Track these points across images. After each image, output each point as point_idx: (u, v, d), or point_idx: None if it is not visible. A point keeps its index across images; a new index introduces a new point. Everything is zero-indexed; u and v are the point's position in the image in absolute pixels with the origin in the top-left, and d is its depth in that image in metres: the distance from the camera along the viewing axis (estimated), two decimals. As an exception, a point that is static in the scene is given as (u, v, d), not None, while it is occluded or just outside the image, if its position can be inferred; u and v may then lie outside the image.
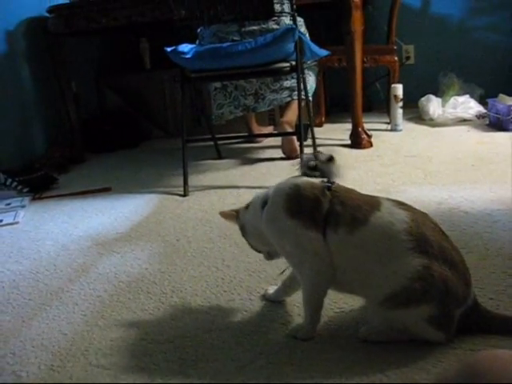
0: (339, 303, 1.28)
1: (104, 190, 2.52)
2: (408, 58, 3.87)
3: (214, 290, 1.43)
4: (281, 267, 1.37)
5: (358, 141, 2.85)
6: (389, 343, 1.11)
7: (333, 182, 1.12)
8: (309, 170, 1.14)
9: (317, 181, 1.12)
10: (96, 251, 1.80)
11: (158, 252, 1.73)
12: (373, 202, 1.09)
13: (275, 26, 2.55)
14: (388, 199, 1.12)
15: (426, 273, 1.03)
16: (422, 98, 3.43)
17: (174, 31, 2.46)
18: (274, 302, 1.33)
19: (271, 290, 1.36)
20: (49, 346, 1.24)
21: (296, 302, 1.32)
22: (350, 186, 1.15)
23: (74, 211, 2.28)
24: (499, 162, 2.34)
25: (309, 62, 2.74)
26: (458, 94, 3.36)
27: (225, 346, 1.17)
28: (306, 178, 1.13)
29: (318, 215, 1.07)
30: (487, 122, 3.14)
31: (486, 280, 1.33)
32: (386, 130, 3.23)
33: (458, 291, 1.05)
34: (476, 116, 3.22)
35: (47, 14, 3.06)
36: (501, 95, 3.08)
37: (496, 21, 3.68)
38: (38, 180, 2.67)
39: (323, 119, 3.56)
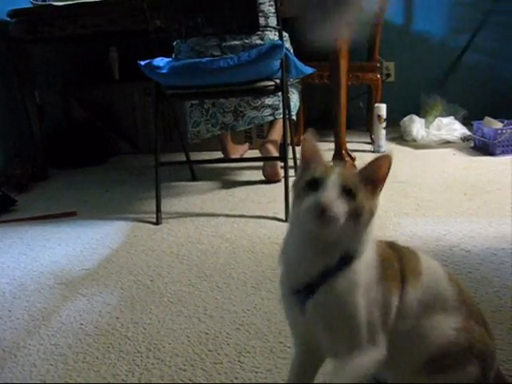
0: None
1: (68, 215, 2.28)
2: (388, 75, 3.76)
3: (197, 348, 1.24)
4: (270, 319, 1.19)
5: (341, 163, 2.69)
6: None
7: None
8: None
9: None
10: (59, 293, 1.57)
11: (130, 296, 1.52)
12: (411, 252, 0.92)
13: (259, 42, 2.36)
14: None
15: (467, 329, 0.87)
16: (405, 118, 3.31)
17: (147, 41, 2.25)
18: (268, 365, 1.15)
19: None
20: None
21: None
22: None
23: (34, 240, 2.04)
24: (492, 192, 2.23)
25: (292, 80, 2.57)
26: (441, 115, 3.26)
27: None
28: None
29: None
30: (472, 145, 3.04)
31: (503, 337, 1.18)
32: (368, 151, 3.10)
33: (492, 350, 0.90)
34: (461, 138, 3.12)
35: (8, 19, 2.82)
36: (486, 118, 2.98)
37: (477, 41, 3.61)
38: (-5, 201, 2.43)
39: (302, 137, 3.41)
